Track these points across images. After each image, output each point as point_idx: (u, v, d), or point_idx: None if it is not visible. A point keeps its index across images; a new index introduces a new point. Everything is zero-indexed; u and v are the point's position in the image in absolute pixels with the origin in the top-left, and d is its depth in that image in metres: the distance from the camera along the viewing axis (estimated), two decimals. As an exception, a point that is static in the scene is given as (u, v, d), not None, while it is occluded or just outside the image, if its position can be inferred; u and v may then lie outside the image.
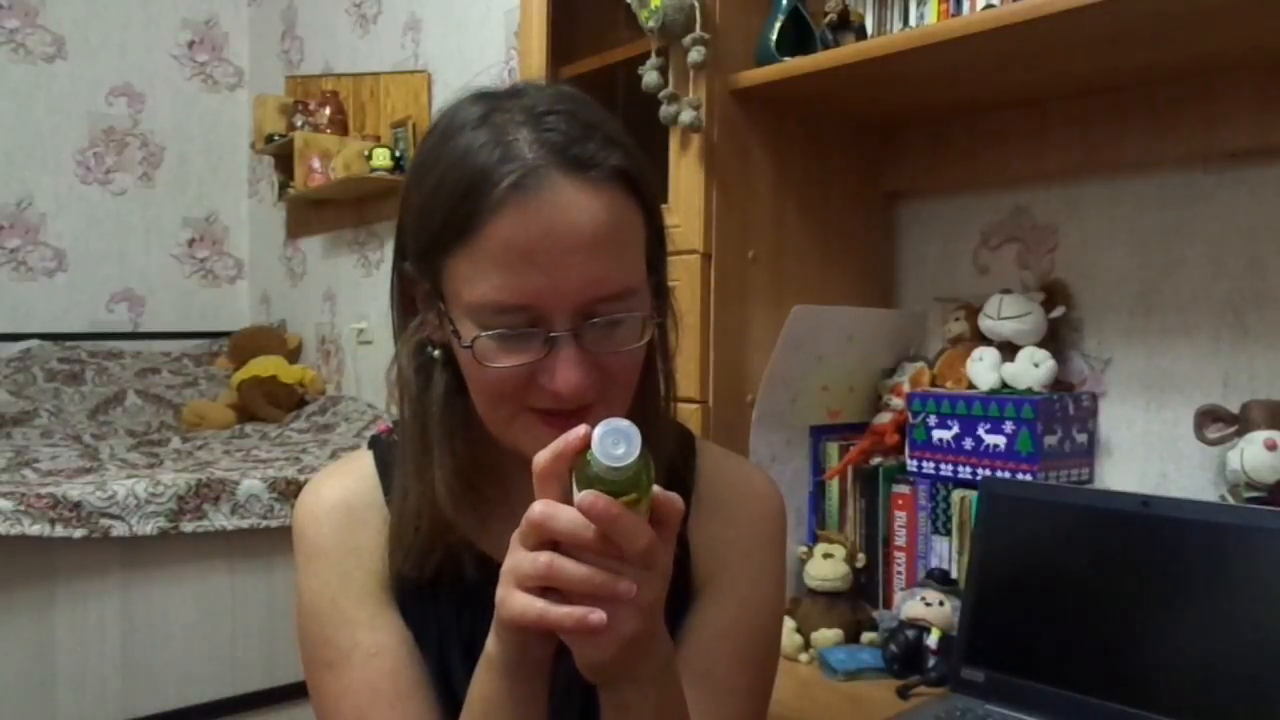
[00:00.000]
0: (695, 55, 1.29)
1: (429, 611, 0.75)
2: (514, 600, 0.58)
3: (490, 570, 0.73)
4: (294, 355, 3.47)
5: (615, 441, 0.55)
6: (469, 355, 0.65)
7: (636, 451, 0.55)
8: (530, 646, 0.62)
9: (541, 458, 0.58)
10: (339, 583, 0.74)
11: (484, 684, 0.64)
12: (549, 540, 0.57)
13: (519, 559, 0.58)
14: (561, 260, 0.62)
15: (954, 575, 1.32)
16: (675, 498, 0.59)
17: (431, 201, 0.66)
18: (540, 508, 0.57)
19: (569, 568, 0.56)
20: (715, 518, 0.80)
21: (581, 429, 0.57)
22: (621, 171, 0.66)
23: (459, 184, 0.64)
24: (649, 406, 0.73)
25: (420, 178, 0.68)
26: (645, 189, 0.68)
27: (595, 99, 0.70)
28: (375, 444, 0.80)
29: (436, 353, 0.71)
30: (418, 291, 0.71)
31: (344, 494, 0.77)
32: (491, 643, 0.63)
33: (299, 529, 0.77)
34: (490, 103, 0.68)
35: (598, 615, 0.56)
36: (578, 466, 0.57)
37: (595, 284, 0.64)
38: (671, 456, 0.76)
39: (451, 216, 0.64)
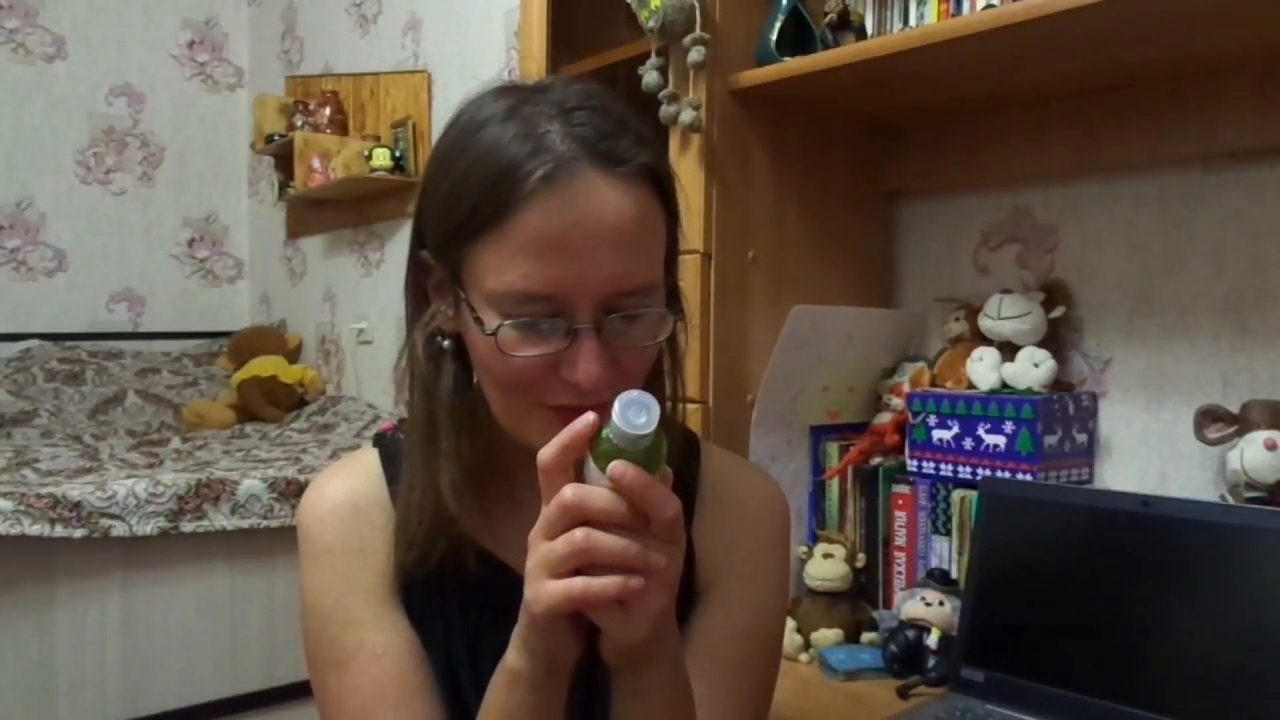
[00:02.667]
0: (695, 55, 1.29)
1: (434, 608, 0.75)
2: (550, 589, 0.58)
3: (493, 567, 0.74)
4: (294, 355, 3.47)
5: (637, 412, 0.56)
6: (490, 345, 0.65)
7: (657, 418, 0.56)
8: (560, 654, 0.62)
9: (547, 453, 0.58)
10: (344, 582, 0.74)
11: (504, 697, 0.64)
12: (578, 525, 0.57)
13: (548, 548, 0.58)
14: (589, 252, 0.63)
15: (954, 575, 1.32)
16: (666, 468, 0.60)
17: (458, 190, 0.66)
18: (572, 491, 0.57)
19: (605, 539, 0.57)
20: (720, 520, 0.80)
21: (589, 416, 0.58)
22: (650, 169, 0.67)
23: (489, 174, 0.64)
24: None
25: (445, 167, 0.68)
26: (670, 188, 0.70)
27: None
28: (380, 441, 0.80)
29: (446, 343, 0.72)
30: (431, 280, 0.72)
31: (349, 492, 0.77)
32: (515, 657, 0.63)
33: (304, 528, 0.77)
34: (517, 96, 0.68)
35: (638, 580, 0.57)
36: (593, 448, 0.58)
37: (619, 278, 0.64)
38: (677, 458, 0.76)
39: (480, 205, 0.64)
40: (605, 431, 0.57)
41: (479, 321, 0.66)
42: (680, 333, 0.76)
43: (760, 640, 0.79)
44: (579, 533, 0.57)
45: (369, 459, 0.79)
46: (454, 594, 0.75)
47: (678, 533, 0.59)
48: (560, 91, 0.68)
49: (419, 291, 0.74)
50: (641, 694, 0.65)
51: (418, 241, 0.73)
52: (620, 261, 0.64)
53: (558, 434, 0.59)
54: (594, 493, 0.57)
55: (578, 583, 0.57)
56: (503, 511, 0.75)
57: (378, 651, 0.72)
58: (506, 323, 0.64)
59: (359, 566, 0.74)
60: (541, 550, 0.58)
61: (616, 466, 0.56)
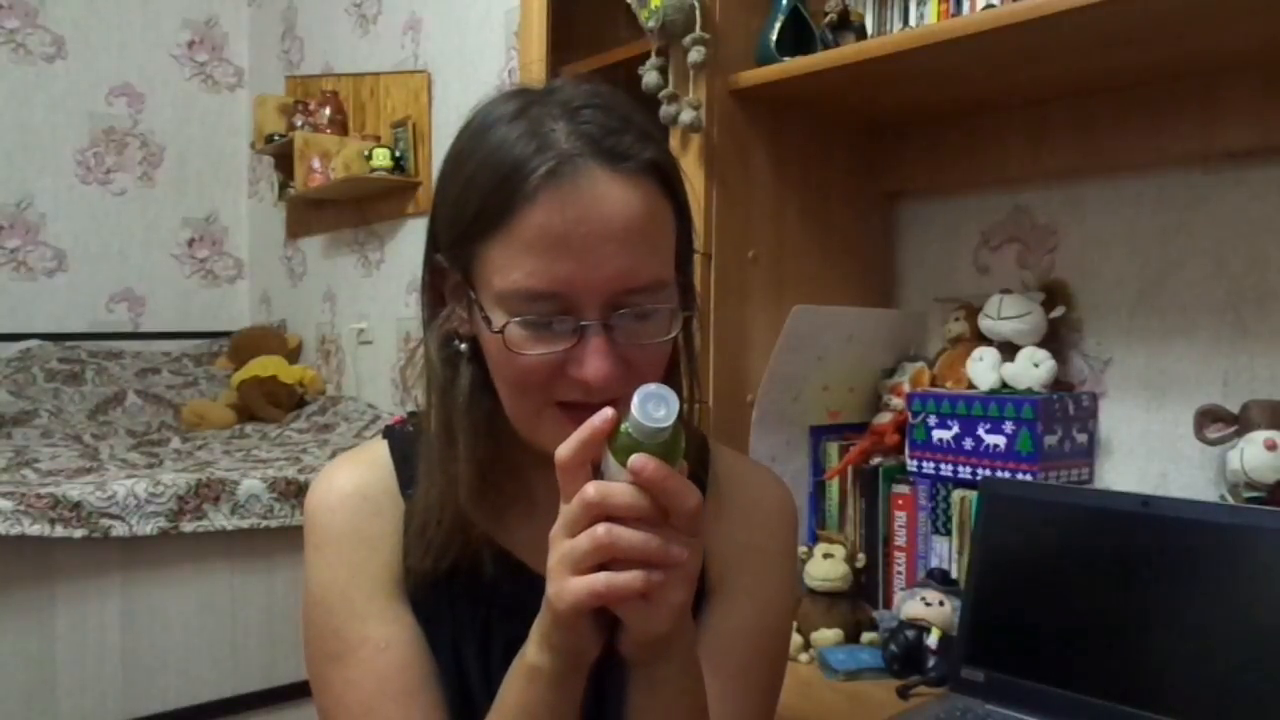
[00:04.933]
0: (695, 55, 1.29)
1: (443, 605, 0.75)
2: (574, 586, 0.58)
3: (508, 566, 0.74)
4: (294, 355, 3.47)
5: (656, 405, 0.56)
6: (499, 343, 0.65)
7: (676, 413, 0.56)
8: (582, 650, 0.62)
9: (565, 450, 0.58)
10: (350, 574, 0.74)
11: (522, 693, 0.64)
12: (601, 521, 0.58)
13: (570, 545, 0.58)
14: (594, 249, 0.63)
15: (954, 575, 1.32)
16: (682, 463, 0.60)
17: (467, 191, 0.67)
18: (594, 488, 0.57)
19: (627, 534, 0.57)
20: (729, 519, 0.80)
21: (607, 412, 0.58)
22: (655, 165, 0.67)
23: (495, 173, 0.65)
24: None
25: (455, 170, 0.69)
26: (677, 185, 0.70)
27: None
28: (390, 434, 0.80)
29: (463, 346, 0.72)
30: (447, 283, 0.72)
31: (358, 483, 0.77)
32: (535, 653, 0.63)
33: (311, 517, 0.76)
34: (525, 98, 0.69)
35: (659, 574, 0.57)
36: (612, 443, 0.58)
37: (626, 274, 0.64)
38: (691, 458, 0.76)
39: (486, 205, 0.65)
40: (624, 426, 0.58)
41: (487, 320, 0.66)
42: (696, 332, 0.76)
43: (768, 637, 0.80)
44: (601, 528, 0.57)
45: (379, 450, 0.79)
46: (465, 590, 0.75)
47: (698, 525, 0.59)
48: (568, 92, 0.68)
49: (435, 295, 0.74)
50: (657, 686, 0.65)
51: (432, 245, 0.73)
52: (626, 258, 0.64)
53: (570, 433, 0.59)
54: (616, 489, 0.57)
55: (601, 578, 0.57)
56: (518, 510, 0.75)
57: (381, 645, 0.72)
58: (514, 320, 0.65)
59: (366, 557, 0.74)
60: (564, 547, 0.58)
61: (638, 459, 0.56)
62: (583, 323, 0.64)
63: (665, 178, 0.68)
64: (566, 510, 0.58)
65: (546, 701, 0.63)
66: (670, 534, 0.58)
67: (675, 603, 0.59)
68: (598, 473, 0.59)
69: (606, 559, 0.57)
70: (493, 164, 0.65)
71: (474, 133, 0.69)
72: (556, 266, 0.63)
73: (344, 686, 0.72)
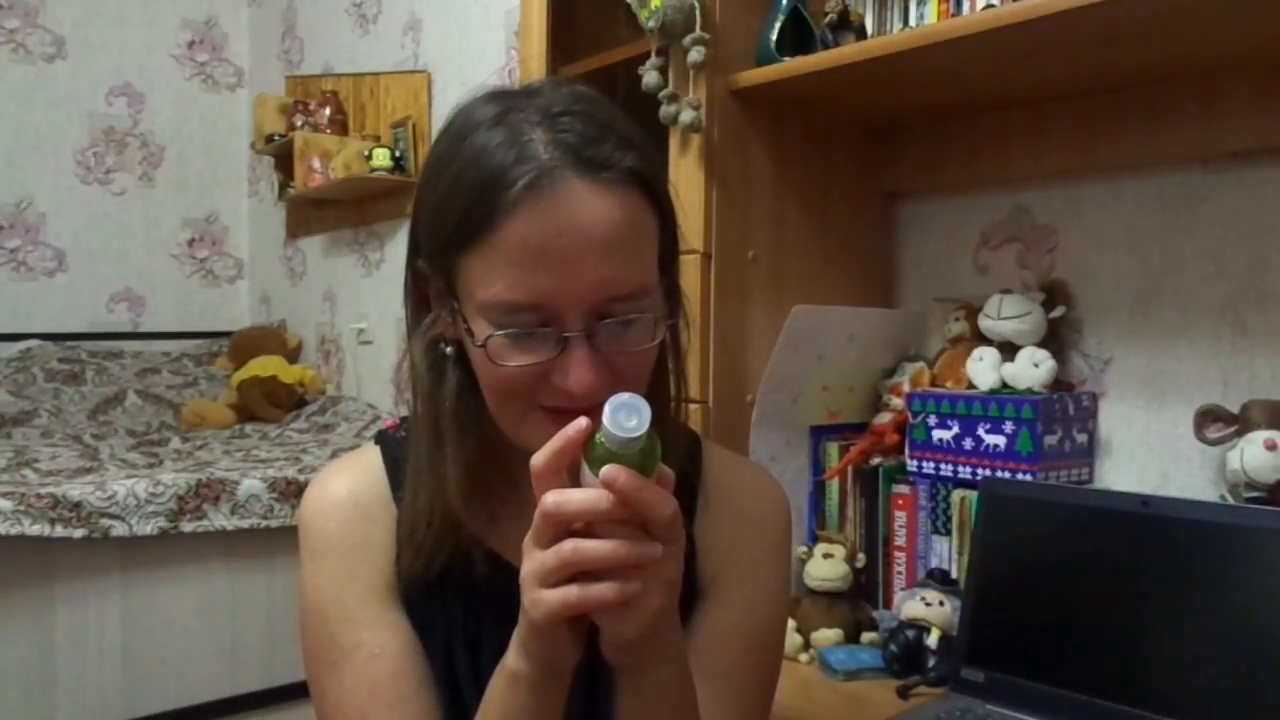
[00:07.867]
0: (695, 55, 1.29)
1: (435, 608, 0.75)
2: (546, 598, 0.58)
3: (499, 567, 0.74)
4: (294, 355, 3.47)
5: (628, 415, 0.56)
6: (482, 354, 0.65)
7: (648, 422, 0.56)
8: (560, 658, 0.62)
9: (539, 458, 0.58)
10: (344, 580, 0.74)
11: (504, 698, 0.64)
12: (564, 530, 0.58)
13: (539, 559, 0.58)
14: (575, 260, 0.63)
15: (954, 575, 1.32)
16: (664, 469, 0.60)
17: (446, 201, 0.66)
18: (552, 497, 0.57)
19: (594, 546, 0.57)
20: (721, 519, 0.80)
21: (581, 421, 0.58)
22: (636, 173, 0.66)
23: (474, 184, 0.64)
24: (660, 408, 0.73)
25: (435, 176, 0.68)
26: (659, 190, 0.69)
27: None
28: (382, 439, 0.80)
29: (449, 350, 0.71)
30: (431, 288, 0.72)
31: (352, 489, 0.77)
32: (515, 659, 0.63)
33: (305, 524, 0.76)
34: (505, 102, 0.68)
35: (635, 585, 0.57)
36: (587, 453, 0.58)
37: (608, 284, 0.64)
38: (680, 458, 0.76)
39: (466, 216, 0.64)
40: (598, 436, 0.57)
41: (470, 333, 0.66)
42: (683, 332, 0.76)
43: (762, 639, 0.80)
44: (568, 545, 0.57)
45: (371, 456, 0.79)
46: (456, 592, 0.75)
47: (677, 532, 0.59)
48: (548, 96, 0.68)
49: (419, 298, 0.73)
50: (645, 694, 0.65)
51: (414, 251, 0.72)
52: (608, 268, 0.63)
53: (553, 436, 0.59)
54: (573, 496, 0.57)
55: (574, 592, 0.57)
56: (508, 512, 0.75)
57: (375, 650, 0.72)
58: (496, 334, 0.64)
59: (359, 563, 0.74)
60: (534, 561, 0.58)
61: (609, 471, 0.56)
62: (565, 334, 0.64)
63: (646, 183, 0.67)
64: (534, 520, 0.58)
65: (528, 707, 0.63)
66: (640, 533, 0.57)
67: (652, 607, 0.59)
68: (577, 481, 0.59)
69: (577, 573, 0.57)
70: (471, 173, 0.64)
71: (453, 138, 0.68)
72: (537, 279, 0.63)
73: (339, 692, 0.72)
